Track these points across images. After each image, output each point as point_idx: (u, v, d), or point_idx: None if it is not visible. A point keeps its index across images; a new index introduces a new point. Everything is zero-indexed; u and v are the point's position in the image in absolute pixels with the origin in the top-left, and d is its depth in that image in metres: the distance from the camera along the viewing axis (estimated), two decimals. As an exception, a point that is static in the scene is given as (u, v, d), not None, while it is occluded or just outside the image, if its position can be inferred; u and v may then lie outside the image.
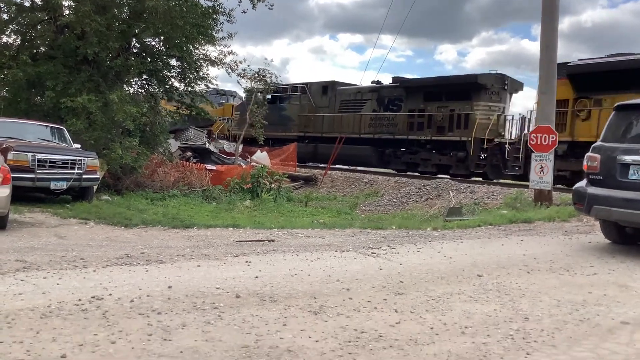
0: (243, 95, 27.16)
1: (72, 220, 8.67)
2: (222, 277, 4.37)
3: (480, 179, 17.47)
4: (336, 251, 5.95)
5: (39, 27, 13.68)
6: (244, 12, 15.23)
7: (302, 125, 24.08)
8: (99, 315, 3.24)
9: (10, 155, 8.96)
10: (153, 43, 14.87)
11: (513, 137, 17.33)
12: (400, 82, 21.01)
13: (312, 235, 7.85)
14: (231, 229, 8.56)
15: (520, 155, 15.67)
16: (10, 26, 13.82)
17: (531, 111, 16.19)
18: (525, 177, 15.29)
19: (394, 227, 9.13)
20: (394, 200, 15.18)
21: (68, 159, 9.81)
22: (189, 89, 15.44)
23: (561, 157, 13.81)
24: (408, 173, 19.64)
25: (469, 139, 17.51)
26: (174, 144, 18.55)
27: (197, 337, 2.97)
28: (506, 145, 16.75)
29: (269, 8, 15.35)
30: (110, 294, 3.69)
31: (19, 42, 14.15)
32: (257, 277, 4.44)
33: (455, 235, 7.75)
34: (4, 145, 9.29)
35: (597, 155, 6.28)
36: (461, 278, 4.72)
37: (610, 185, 6.09)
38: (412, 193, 15.30)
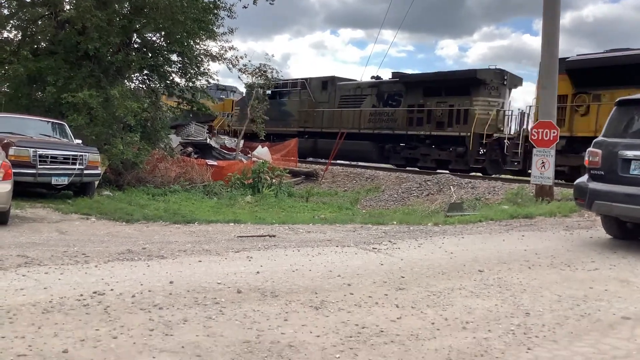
0: (243, 90, 27.14)
1: (74, 215, 8.68)
2: (223, 273, 4.37)
3: (480, 174, 17.47)
4: (337, 246, 5.94)
5: (39, 23, 13.67)
6: (245, 7, 15.27)
7: (302, 121, 24.04)
8: (101, 311, 3.24)
9: (11, 151, 8.96)
10: (154, 38, 14.88)
11: (512, 133, 17.33)
12: (399, 78, 20.92)
13: (313, 231, 7.85)
14: (232, 224, 8.56)
15: (519, 151, 15.66)
16: (11, 21, 13.83)
17: (530, 106, 16.23)
18: (524, 172, 15.32)
19: (395, 223, 9.13)
20: (395, 196, 15.16)
21: (69, 155, 9.81)
22: (190, 84, 15.44)
23: (560, 153, 13.80)
24: (408, 168, 19.63)
25: (468, 134, 17.50)
26: (175, 140, 18.54)
27: (199, 332, 2.98)
28: (505, 141, 16.75)
29: (270, 3, 15.39)
30: (111, 289, 3.69)
31: (19, 38, 14.16)
32: (258, 272, 4.44)
33: (457, 230, 7.75)
34: (6, 141, 9.29)
35: (599, 151, 6.26)
36: (462, 273, 4.71)
37: (612, 180, 6.06)
38: (413, 188, 15.29)
